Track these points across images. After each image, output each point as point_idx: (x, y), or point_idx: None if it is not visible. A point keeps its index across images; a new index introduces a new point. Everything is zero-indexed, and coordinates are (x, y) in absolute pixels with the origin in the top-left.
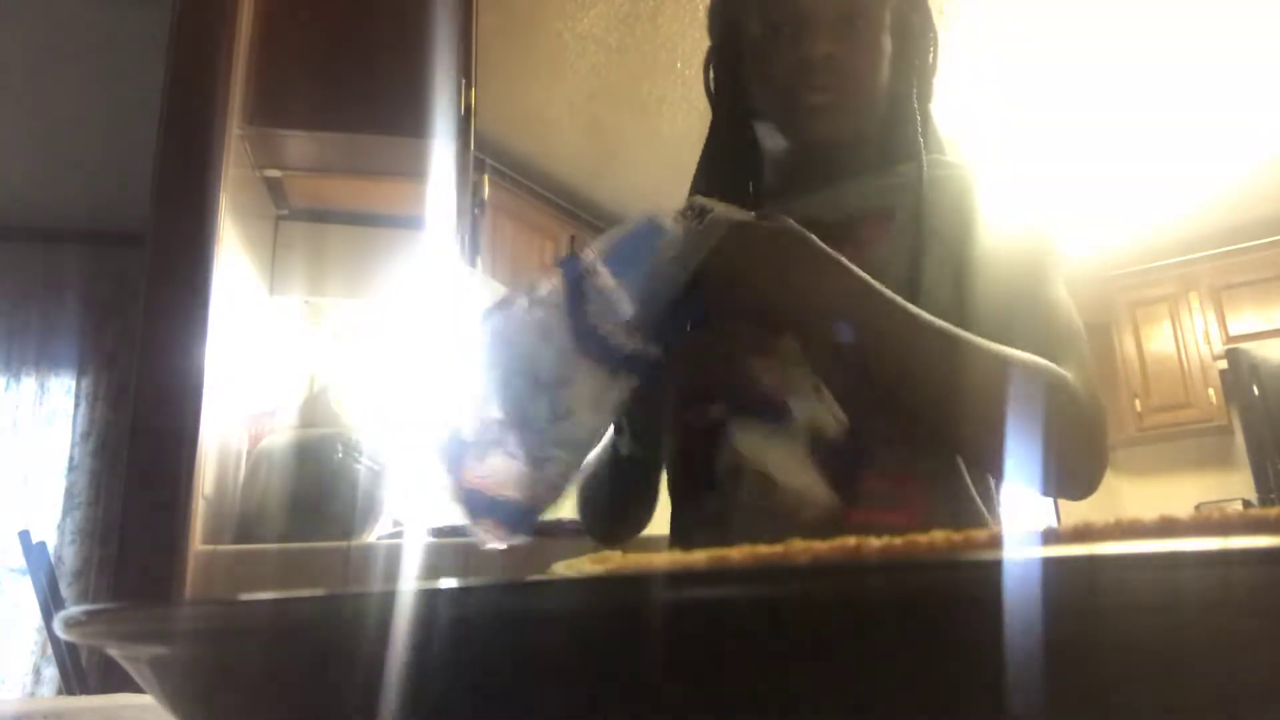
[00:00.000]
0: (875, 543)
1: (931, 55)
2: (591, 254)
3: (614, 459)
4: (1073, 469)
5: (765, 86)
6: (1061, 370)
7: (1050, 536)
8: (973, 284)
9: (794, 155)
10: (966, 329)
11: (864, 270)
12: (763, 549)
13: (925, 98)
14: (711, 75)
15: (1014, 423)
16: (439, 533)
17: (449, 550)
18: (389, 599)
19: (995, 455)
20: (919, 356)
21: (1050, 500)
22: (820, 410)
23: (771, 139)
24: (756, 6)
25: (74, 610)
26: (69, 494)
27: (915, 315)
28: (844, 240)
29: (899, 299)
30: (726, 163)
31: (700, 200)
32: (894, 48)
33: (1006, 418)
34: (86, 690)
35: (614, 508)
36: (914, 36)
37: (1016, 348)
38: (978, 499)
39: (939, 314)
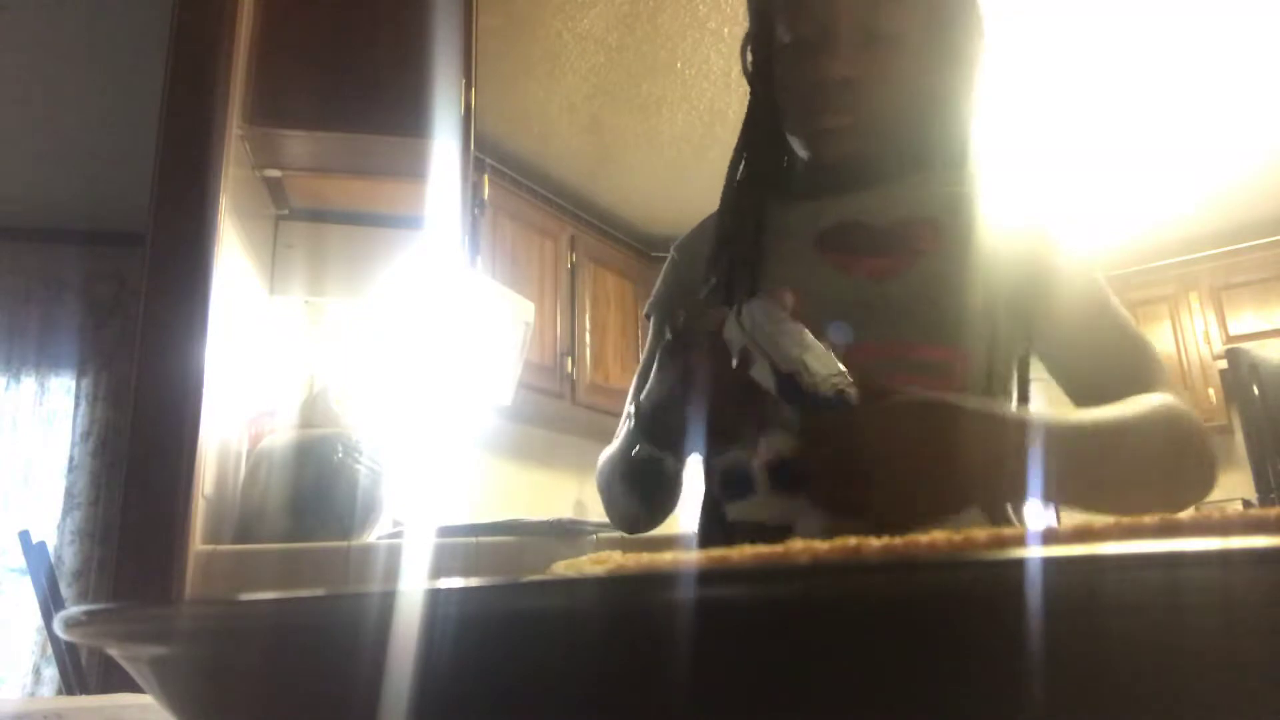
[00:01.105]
0: (875, 543)
1: (979, 49)
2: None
3: (633, 456)
4: (1195, 489)
5: (787, 101)
6: (1166, 399)
7: (1050, 536)
8: (1035, 304)
9: (819, 166)
10: (1016, 348)
11: (917, 279)
12: (763, 549)
13: (968, 97)
14: (749, 60)
15: (1166, 478)
16: (443, 532)
17: (450, 550)
18: (389, 599)
19: (1146, 506)
20: (1080, 462)
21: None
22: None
23: (796, 147)
24: (784, 13)
25: (74, 610)
26: (69, 494)
27: (1071, 427)
28: (896, 247)
29: (1050, 420)
30: (762, 153)
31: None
32: (933, 49)
33: (1158, 478)
34: (86, 690)
35: (632, 499)
36: (956, 35)
37: (1105, 371)
38: (1010, 509)
39: (1000, 337)
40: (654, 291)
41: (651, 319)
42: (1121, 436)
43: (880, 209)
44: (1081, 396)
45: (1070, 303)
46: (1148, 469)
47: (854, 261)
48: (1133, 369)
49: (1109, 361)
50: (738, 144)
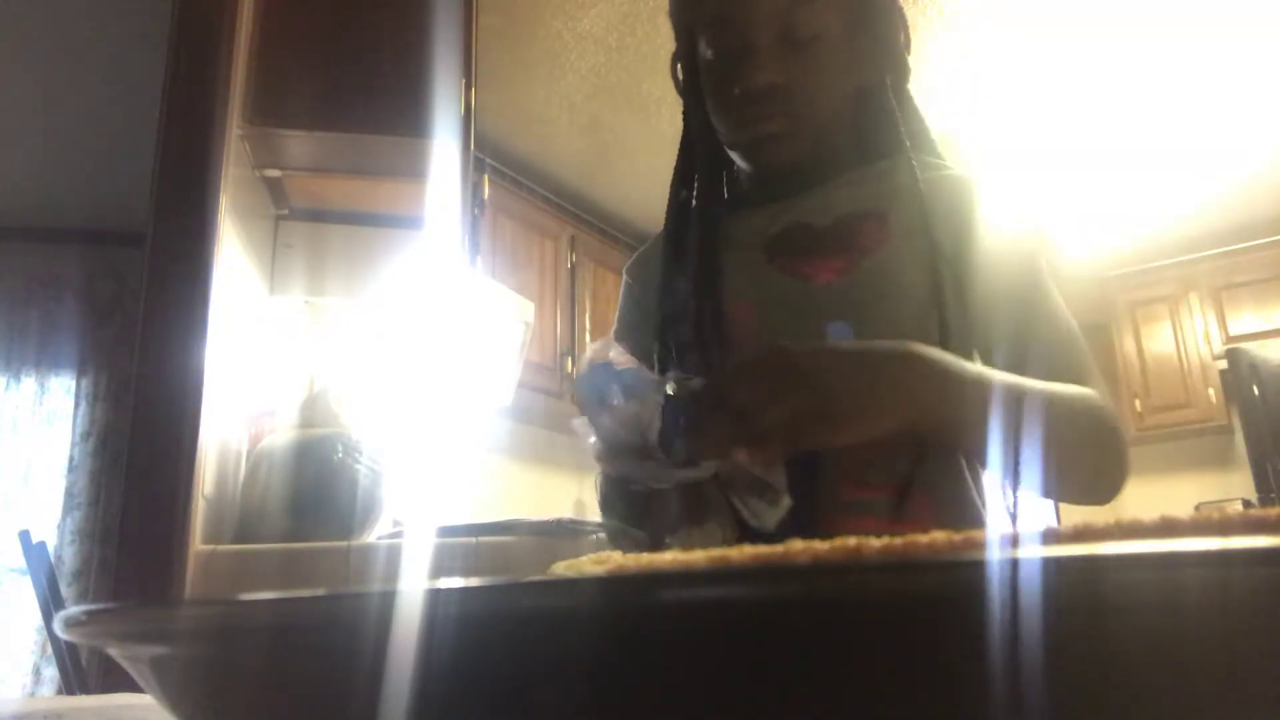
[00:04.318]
0: (875, 543)
1: (902, 36)
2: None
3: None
4: (1109, 483)
5: (717, 114)
6: (1092, 393)
7: (1050, 536)
8: (974, 293)
9: (758, 175)
10: (973, 339)
11: (866, 278)
12: (763, 549)
13: (900, 82)
14: (680, 76)
15: (1070, 457)
16: (442, 532)
17: (450, 550)
18: (389, 599)
19: (1046, 485)
20: (983, 419)
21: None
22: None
23: (735, 158)
24: (704, 30)
25: (74, 610)
26: (69, 494)
27: (982, 383)
28: (842, 247)
29: (968, 370)
30: (702, 167)
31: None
32: (858, 40)
33: (1065, 454)
34: (86, 690)
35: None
36: (878, 23)
37: (1030, 360)
38: (979, 504)
39: (953, 328)
40: (616, 317)
41: (618, 344)
42: (1048, 406)
43: (825, 208)
44: None
45: (999, 286)
46: (1068, 448)
47: (802, 265)
48: (1064, 361)
49: (1038, 351)
50: (677, 161)
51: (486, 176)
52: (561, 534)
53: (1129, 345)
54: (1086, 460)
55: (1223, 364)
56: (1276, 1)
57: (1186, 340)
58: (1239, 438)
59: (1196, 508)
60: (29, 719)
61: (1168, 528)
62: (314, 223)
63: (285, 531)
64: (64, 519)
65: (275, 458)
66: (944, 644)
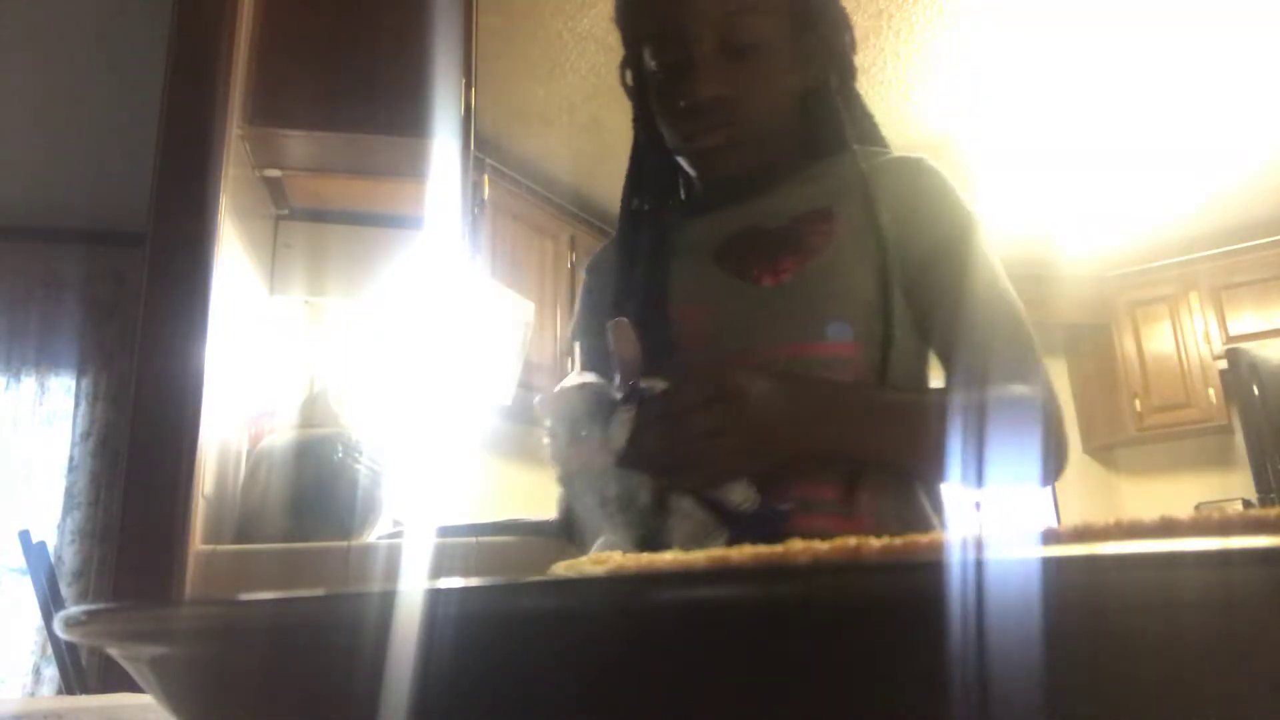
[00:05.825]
0: (875, 543)
1: (847, 37)
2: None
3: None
4: (1049, 470)
5: (663, 125)
6: (1028, 391)
7: (1050, 536)
8: (920, 285)
9: (707, 183)
10: (929, 334)
11: (814, 279)
12: (763, 549)
13: (846, 82)
14: (629, 83)
15: (1003, 460)
16: (443, 532)
17: (450, 550)
18: (389, 599)
19: (985, 485)
20: (908, 440)
21: (1039, 500)
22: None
23: (683, 165)
24: (648, 42)
25: (74, 610)
26: (69, 494)
27: (904, 408)
28: (790, 248)
29: (883, 398)
30: (653, 172)
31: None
32: (801, 45)
33: (998, 459)
34: (86, 690)
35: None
36: (821, 27)
37: (971, 344)
38: (926, 505)
39: (899, 323)
40: (574, 315)
41: (577, 343)
42: (980, 418)
43: (776, 210)
44: (954, 373)
45: (953, 277)
46: (1007, 457)
47: (751, 268)
48: (1009, 354)
49: (988, 343)
50: (629, 167)
51: (486, 176)
52: (561, 534)
53: (1129, 345)
54: (1026, 461)
55: (1223, 364)
56: (1276, 1)
57: (1186, 340)
58: (1239, 438)
59: (1196, 508)
60: (29, 719)
61: (1168, 528)
62: (314, 223)
63: (285, 531)
64: (64, 519)
65: (275, 458)
66: (944, 644)
